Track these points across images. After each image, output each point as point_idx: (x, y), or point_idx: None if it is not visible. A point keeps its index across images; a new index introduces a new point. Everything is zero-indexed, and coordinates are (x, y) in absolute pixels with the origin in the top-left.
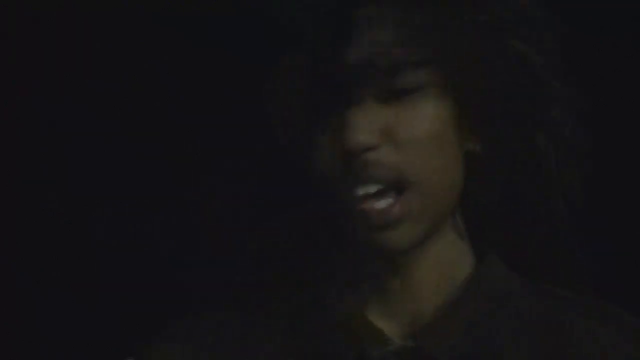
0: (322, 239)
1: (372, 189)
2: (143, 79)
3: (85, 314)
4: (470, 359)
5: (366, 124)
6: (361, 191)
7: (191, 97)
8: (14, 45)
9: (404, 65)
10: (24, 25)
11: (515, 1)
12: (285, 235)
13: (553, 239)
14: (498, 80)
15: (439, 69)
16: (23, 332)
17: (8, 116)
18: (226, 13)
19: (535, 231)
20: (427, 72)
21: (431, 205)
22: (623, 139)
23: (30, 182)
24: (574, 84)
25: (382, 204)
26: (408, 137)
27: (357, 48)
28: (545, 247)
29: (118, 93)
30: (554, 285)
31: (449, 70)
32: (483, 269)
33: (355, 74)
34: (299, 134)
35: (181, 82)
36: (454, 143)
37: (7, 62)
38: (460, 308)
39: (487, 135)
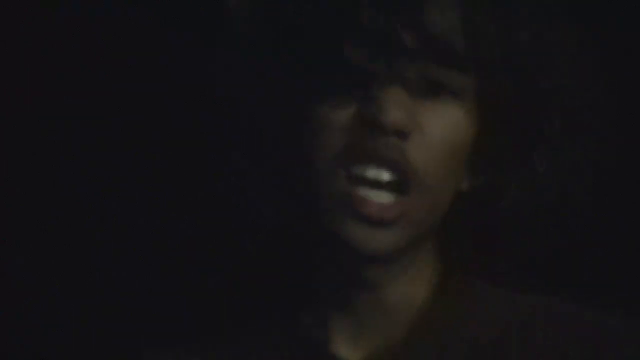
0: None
1: (385, 176)
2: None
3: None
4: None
5: (405, 106)
6: (371, 174)
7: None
8: (13, 46)
9: (455, 60)
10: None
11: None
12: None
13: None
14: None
15: (481, 78)
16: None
17: (7, 116)
18: None
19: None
20: (469, 78)
21: (425, 216)
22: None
23: None
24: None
25: (383, 197)
26: (436, 137)
27: (415, 27)
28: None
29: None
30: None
31: (492, 81)
32: (451, 279)
33: (408, 54)
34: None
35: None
36: (464, 166)
37: (6, 62)
38: (427, 333)
39: (492, 173)
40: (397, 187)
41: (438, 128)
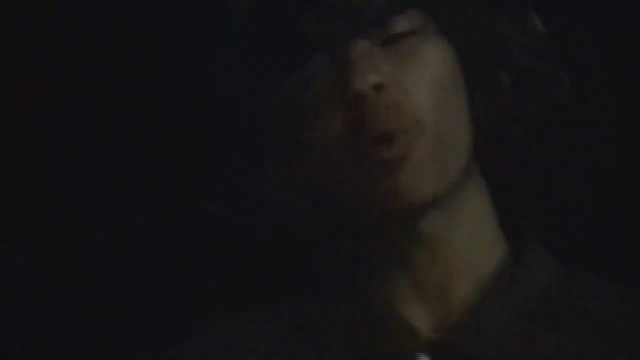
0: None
1: (387, 129)
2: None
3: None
4: (510, 349)
5: (369, 65)
6: (376, 138)
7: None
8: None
9: (392, 11)
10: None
11: None
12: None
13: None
14: (488, 26)
15: (428, 13)
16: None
17: (7, 116)
18: None
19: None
20: (418, 16)
21: (444, 152)
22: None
23: None
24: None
25: (394, 147)
26: (413, 79)
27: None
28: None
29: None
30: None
31: (437, 14)
32: (522, 261)
33: (346, 24)
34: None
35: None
36: (461, 91)
37: (7, 63)
38: (496, 303)
39: (488, 88)
40: (402, 134)
41: (412, 67)
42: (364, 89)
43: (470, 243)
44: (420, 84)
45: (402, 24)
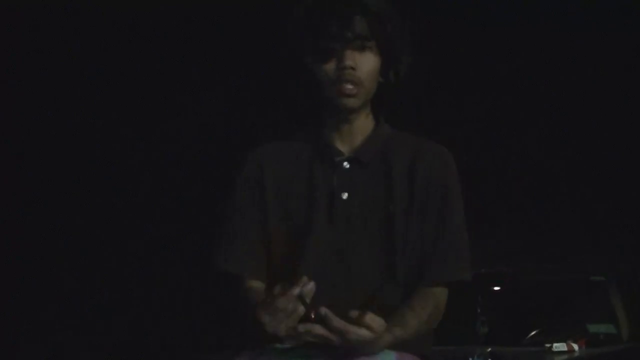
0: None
1: (351, 84)
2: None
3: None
4: (376, 160)
5: (352, 57)
6: (346, 84)
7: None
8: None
9: (366, 38)
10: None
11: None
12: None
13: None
14: (397, 52)
15: (376, 41)
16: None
17: (9, 116)
18: None
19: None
20: (372, 42)
21: (366, 94)
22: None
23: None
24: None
25: (350, 86)
26: (365, 67)
27: (348, 31)
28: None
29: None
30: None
31: (379, 41)
32: (380, 125)
33: (347, 39)
34: (314, 62)
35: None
36: (377, 73)
37: (7, 62)
38: (371, 140)
39: (387, 74)
40: (355, 84)
41: (366, 63)
42: (347, 65)
43: (363, 121)
44: (367, 69)
45: (366, 43)
